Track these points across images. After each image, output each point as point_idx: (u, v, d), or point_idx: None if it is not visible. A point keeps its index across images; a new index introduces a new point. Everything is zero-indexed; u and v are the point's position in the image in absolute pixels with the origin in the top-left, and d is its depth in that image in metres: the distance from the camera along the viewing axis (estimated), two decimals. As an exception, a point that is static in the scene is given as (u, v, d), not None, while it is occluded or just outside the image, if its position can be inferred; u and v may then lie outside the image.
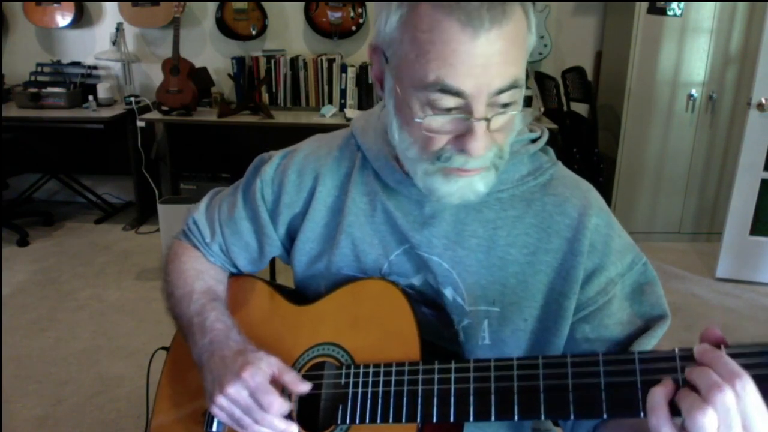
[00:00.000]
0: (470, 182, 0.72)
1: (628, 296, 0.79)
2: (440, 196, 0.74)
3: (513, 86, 0.67)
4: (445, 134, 0.69)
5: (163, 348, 1.04)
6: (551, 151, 0.86)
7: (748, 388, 0.52)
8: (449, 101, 0.66)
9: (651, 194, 3.65)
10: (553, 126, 3.44)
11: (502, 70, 0.65)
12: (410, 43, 0.67)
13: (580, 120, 3.62)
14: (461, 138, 0.68)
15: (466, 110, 0.66)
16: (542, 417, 0.63)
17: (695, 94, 3.45)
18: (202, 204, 1.01)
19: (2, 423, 2.03)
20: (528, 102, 3.54)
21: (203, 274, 0.95)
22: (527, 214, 0.80)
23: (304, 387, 0.77)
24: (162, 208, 2.97)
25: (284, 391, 0.78)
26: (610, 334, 0.76)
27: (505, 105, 0.68)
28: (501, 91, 0.66)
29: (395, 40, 0.69)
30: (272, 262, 2.34)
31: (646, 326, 0.78)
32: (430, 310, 0.83)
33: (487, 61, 0.64)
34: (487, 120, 0.67)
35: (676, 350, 0.57)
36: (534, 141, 0.84)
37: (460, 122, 0.68)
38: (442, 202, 0.76)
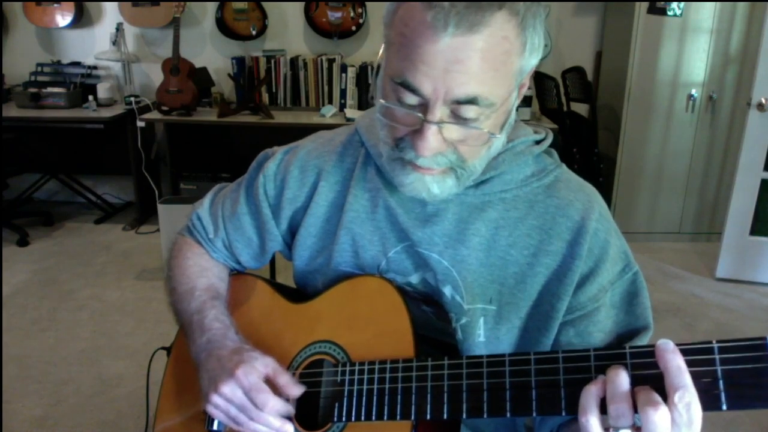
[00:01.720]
0: (423, 180, 0.73)
1: (616, 304, 0.79)
2: (398, 184, 0.76)
3: (472, 102, 0.66)
4: (402, 126, 0.71)
5: (163, 348, 1.04)
6: (555, 153, 0.86)
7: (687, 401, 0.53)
8: (411, 98, 0.68)
9: (651, 194, 3.65)
10: (553, 126, 3.44)
11: (462, 81, 0.65)
12: (395, 30, 0.68)
13: (580, 120, 3.62)
14: (414, 134, 0.70)
15: (423, 110, 0.68)
16: (534, 413, 0.63)
17: (695, 94, 3.45)
18: (206, 200, 1.02)
19: (2, 423, 2.03)
20: (528, 102, 3.54)
21: (206, 272, 0.96)
22: (530, 216, 0.80)
23: (297, 390, 0.78)
24: (162, 208, 2.97)
25: (279, 393, 0.78)
26: (593, 341, 0.77)
27: (468, 119, 0.68)
28: (459, 102, 0.66)
29: (388, 23, 0.71)
30: (273, 261, 2.34)
31: (630, 336, 0.79)
32: (430, 307, 0.83)
33: (447, 66, 0.64)
34: (438, 125, 0.67)
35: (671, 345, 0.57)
36: (538, 142, 0.84)
37: (415, 118, 0.69)
38: (402, 192, 0.77)
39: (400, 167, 0.74)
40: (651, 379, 0.57)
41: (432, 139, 0.68)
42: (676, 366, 0.54)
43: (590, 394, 0.57)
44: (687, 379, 0.54)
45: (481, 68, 0.65)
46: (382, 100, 0.71)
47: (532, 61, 0.70)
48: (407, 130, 0.71)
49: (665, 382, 0.54)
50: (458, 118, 0.68)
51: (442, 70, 0.64)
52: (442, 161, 0.71)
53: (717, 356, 0.55)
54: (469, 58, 0.64)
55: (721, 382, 0.54)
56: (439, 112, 0.67)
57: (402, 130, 0.71)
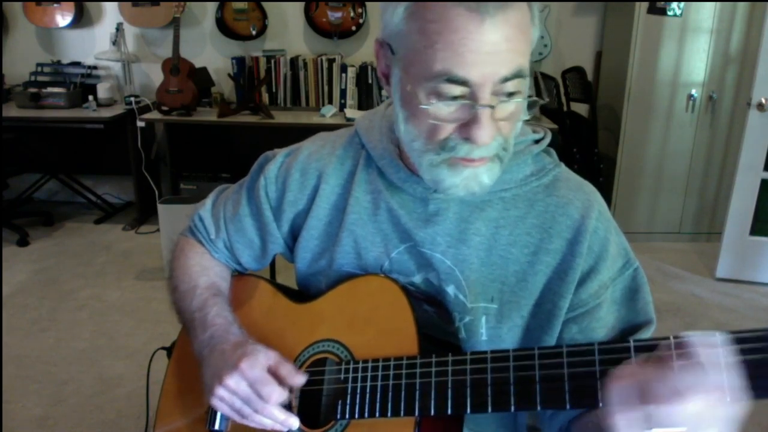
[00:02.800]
0: (475, 173, 0.72)
1: (618, 300, 0.80)
2: (446, 187, 0.74)
3: (518, 75, 0.67)
4: (450, 122, 0.70)
5: (163, 348, 1.04)
6: (554, 152, 0.87)
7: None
8: (455, 90, 0.67)
9: (651, 194, 3.65)
10: (553, 126, 3.44)
11: (508, 58, 0.66)
12: (418, 33, 0.67)
13: (580, 120, 3.62)
14: (466, 126, 0.69)
15: (472, 98, 0.67)
16: (538, 408, 0.63)
17: (695, 94, 3.45)
18: (208, 201, 1.02)
19: (2, 423, 2.03)
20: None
21: (208, 271, 0.96)
22: (530, 215, 0.80)
23: (300, 379, 0.78)
24: (162, 208, 2.97)
25: (282, 384, 0.79)
26: (597, 337, 0.78)
27: (510, 94, 0.68)
28: (506, 79, 0.67)
29: (402, 32, 0.69)
30: (272, 262, 2.34)
31: (632, 331, 0.79)
32: (432, 307, 0.84)
33: (493, 48, 0.65)
34: (492, 107, 0.67)
35: (671, 338, 0.57)
36: (537, 142, 0.85)
37: (465, 110, 0.68)
38: (448, 194, 0.77)
39: (447, 169, 0.72)
40: None
41: (488, 125, 0.68)
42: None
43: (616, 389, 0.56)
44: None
45: (518, 39, 0.66)
46: (425, 106, 0.69)
47: (537, 32, 0.71)
48: (454, 126, 0.70)
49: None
50: (503, 95, 0.68)
51: (486, 53, 0.65)
52: (493, 146, 0.71)
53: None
54: (510, 33, 0.65)
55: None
56: (488, 95, 0.67)
57: (448, 128, 0.70)
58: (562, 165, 0.85)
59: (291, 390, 0.79)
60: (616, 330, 0.79)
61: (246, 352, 0.77)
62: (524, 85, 0.70)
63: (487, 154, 0.71)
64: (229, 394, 0.76)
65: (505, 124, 0.71)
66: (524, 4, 0.67)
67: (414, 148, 0.74)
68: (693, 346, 0.54)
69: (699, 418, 0.52)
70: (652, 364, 0.56)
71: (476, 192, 0.74)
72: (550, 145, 0.86)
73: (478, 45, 0.65)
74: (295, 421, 0.77)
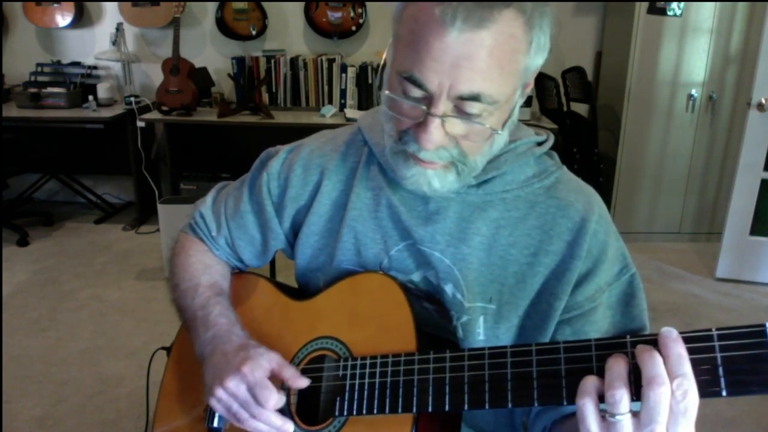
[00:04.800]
0: (425, 174, 0.74)
1: (613, 306, 0.80)
2: (400, 177, 0.77)
3: (475, 98, 0.67)
4: (405, 118, 0.72)
5: (163, 348, 1.04)
6: (556, 155, 0.88)
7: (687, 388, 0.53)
8: (416, 91, 0.68)
9: (651, 194, 3.65)
10: (553, 126, 3.44)
11: (468, 77, 0.65)
12: (403, 25, 0.69)
13: (580, 120, 3.62)
14: (418, 127, 0.70)
15: (427, 103, 0.68)
16: (535, 404, 0.63)
17: (695, 94, 3.45)
18: (209, 198, 1.02)
19: (2, 423, 2.03)
20: (528, 102, 3.54)
21: (210, 269, 0.96)
22: (530, 216, 0.81)
23: (303, 382, 0.78)
24: (162, 208, 2.97)
25: (283, 386, 0.79)
26: None
27: (471, 114, 0.68)
28: (462, 98, 0.67)
29: (397, 18, 0.71)
30: (273, 261, 2.34)
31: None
32: (432, 305, 0.84)
33: (454, 61, 0.65)
34: (441, 118, 0.68)
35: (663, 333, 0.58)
36: (539, 144, 0.85)
37: (419, 111, 0.70)
38: (403, 185, 0.78)
39: (403, 160, 0.75)
40: None
41: (435, 133, 0.69)
42: (677, 354, 0.54)
43: (589, 381, 0.58)
44: (687, 367, 0.54)
45: (488, 65, 0.65)
46: (387, 92, 0.72)
47: (537, 61, 0.71)
48: (411, 123, 0.72)
49: (665, 370, 0.54)
50: (461, 113, 0.69)
51: (449, 65, 0.65)
52: (444, 155, 0.72)
53: (716, 343, 0.55)
54: (476, 54, 0.65)
55: (720, 368, 0.54)
56: (443, 106, 0.68)
57: (406, 122, 0.72)
58: (564, 168, 0.86)
59: (290, 391, 0.79)
60: (609, 335, 0.79)
61: (249, 355, 0.77)
62: (492, 110, 0.69)
63: (436, 160, 0.72)
64: (227, 396, 0.76)
65: (466, 141, 0.71)
66: (515, 31, 0.66)
67: (386, 129, 0.77)
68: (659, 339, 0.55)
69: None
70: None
71: (426, 192, 0.76)
72: (552, 148, 0.87)
73: (439, 54, 0.65)
74: (290, 427, 0.77)
